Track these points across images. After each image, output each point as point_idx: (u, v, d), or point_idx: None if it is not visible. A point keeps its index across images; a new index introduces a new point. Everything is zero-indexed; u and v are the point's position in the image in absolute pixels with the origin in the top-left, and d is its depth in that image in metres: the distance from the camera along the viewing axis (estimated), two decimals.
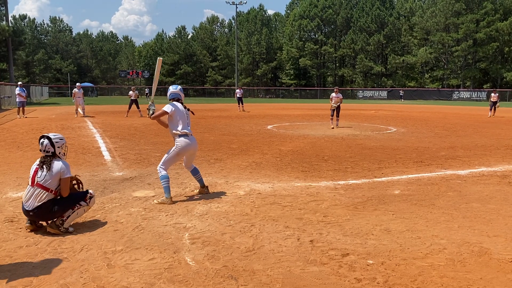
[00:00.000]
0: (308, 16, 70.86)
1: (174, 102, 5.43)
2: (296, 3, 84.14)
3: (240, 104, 26.68)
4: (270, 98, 67.37)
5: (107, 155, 9.06)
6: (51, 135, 4.34)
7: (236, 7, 67.87)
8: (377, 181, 6.69)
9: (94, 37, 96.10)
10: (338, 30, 73.81)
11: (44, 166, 4.19)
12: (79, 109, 20.80)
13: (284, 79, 75.63)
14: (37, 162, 4.30)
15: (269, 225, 4.45)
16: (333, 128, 15.40)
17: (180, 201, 5.40)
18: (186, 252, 3.71)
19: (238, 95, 27.12)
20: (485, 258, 3.61)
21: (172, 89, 5.54)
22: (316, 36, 73.11)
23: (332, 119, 15.74)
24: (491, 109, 23.05)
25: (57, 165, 4.20)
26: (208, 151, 9.64)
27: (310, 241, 3.99)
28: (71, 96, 21.29)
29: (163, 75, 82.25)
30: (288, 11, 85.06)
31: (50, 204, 4.15)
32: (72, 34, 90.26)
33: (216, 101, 52.29)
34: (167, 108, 5.31)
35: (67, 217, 4.21)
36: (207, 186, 5.88)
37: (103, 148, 10.16)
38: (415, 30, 65.53)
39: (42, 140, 4.28)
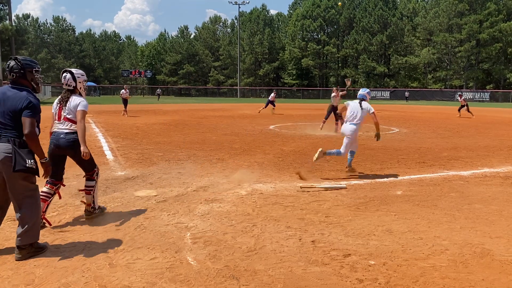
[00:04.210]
0: (311, 16, 70.82)
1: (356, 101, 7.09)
2: (298, 3, 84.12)
3: (269, 105, 24.86)
4: None
5: (109, 155, 9.07)
6: (73, 70, 4.55)
7: (239, 7, 68.28)
8: (379, 181, 6.68)
9: (97, 37, 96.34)
10: (340, 30, 73.73)
11: (64, 102, 4.44)
12: None
13: (286, 79, 75.57)
14: (57, 101, 4.52)
15: (271, 225, 4.44)
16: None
17: (181, 200, 5.40)
18: (188, 251, 3.71)
19: (270, 98, 25.40)
20: (487, 260, 3.60)
21: (361, 91, 7.29)
22: (319, 36, 73.05)
23: (337, 123, 15.03)
24: (459, 110, 23.41)
25: (75, 99, 4.43)
26: (210, 151, 9.64)
27: (312, 241, 3.99)
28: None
29: (166, 74, 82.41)
30: (291, 11, 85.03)
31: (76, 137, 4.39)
32: (75, 33, 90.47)
33: (218, 101, 52.34)
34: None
35: (93, 203, 4.62)
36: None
37: (105, 147, 10.17)
38: (418, 31, 65.40)
39: (64, 74, 4.49)
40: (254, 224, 4.47)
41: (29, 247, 3.56)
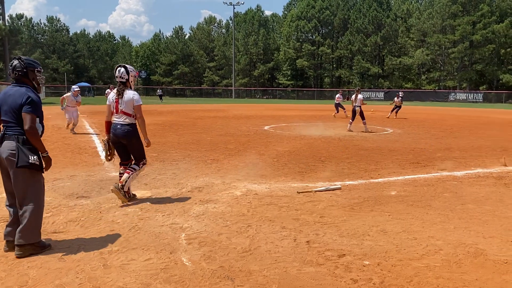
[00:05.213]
0: (306, 17, 70.93)
1: None
2: (293, 4, 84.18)
3: (340, 109, 22.74)
4: (267, 99, 67.41)
5: (103, 155, 9.02)
6: (126, 65, 5.26)
7: (234, 8, 68.09)
8: (373, 182, 6.70)
9: (91, 37, 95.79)
10: (335, 31, 73.89)
11: (121, 95, 5.14)
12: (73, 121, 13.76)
13: (281, 80, 75.61)
14: (113, 94, 5.21)
15: (266, 226, 4.45)
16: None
17: (176, 201, 5.39)
18: (183, 252, 3.71)
19: (336, 101, 23.07)
20: (481, 259, 3.63)
21: None
22: (313, 37, 73.13)
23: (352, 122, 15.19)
24: (392, 111, 22.95)
25: (129, 94, 5.16)
26: (205, 152, 9.63)
27: (307, 241, 4.00)
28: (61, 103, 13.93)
29: (160, 75, 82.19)
30: (286, 12, 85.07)
31: (133, 127, 5.18)
32: (69, 33, 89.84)
33: (213, 101, 52.28)
34: None
35: (125, 182, 5.13)
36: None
37: (99, 148, 10.13)
38: (412, 32, 65.69)
39: (119, 68, 5.23)
40: (249, 225, 4.47)
41: (29, 245, 3.56)
